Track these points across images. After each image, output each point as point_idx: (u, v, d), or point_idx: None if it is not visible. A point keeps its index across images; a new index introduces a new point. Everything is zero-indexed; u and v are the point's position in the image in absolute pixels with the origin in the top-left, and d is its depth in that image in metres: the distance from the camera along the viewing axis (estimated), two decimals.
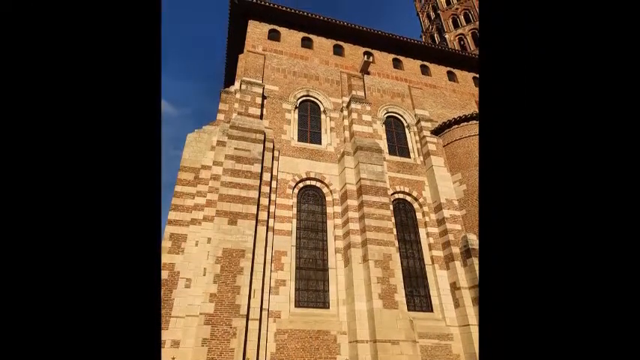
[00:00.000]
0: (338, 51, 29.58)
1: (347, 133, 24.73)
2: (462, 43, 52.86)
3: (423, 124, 26.82)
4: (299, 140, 23.79)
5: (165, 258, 16.62)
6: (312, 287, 19.34)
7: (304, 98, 25.77)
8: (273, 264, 18.55)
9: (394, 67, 30.78)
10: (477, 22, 51.81)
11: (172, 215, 17.76)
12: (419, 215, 23.62)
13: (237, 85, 23.63)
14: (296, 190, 21.72)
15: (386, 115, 27.42)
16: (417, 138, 26.82)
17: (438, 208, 23.31)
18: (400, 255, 21.32)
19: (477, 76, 33.23)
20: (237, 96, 22.62)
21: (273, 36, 27.89)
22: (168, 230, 17.35)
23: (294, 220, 20.77)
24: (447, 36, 54.27)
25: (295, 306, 18.38)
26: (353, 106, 25.15)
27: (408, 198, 24.06)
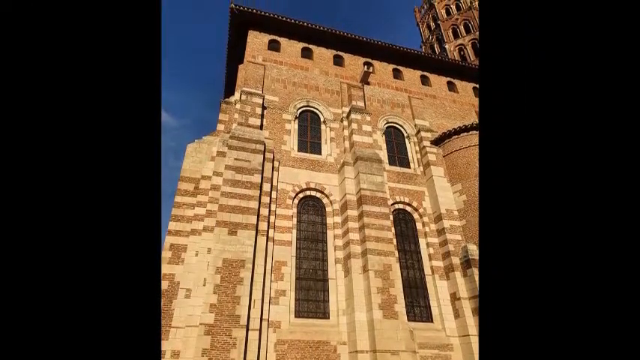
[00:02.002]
0: (338, 61, 29.63)
1: (347, 144, 24.77)
2: (462, 53, 52.99)
3: (423, 134, 26.84)
4: (299, 150, 23.81)
5: (165, 268, 16.62)
6: (312, 297, 19.30)
7: (304, 108, 25.81)
8: (273, 274, 18.52)
9: (394, 78, 30.84)
10: (477, 33, 51.93)
11: (172, 226, 17.79)
12: (419, 225, 23.61)
13: (237, 95, 23.70)
14: (296, 201, 21.74)
15: (386, 126, 27.45)
16: (417, 148, 26.83)
17: (438, 218, 23.30)
18: (400, 265, 21.29)
19: (477, 86, 33.26)
20: (237, 106, 22.68)
21: (274, 46, 27.97)
22: (168, 241, 17.38)
23: (294, 231, 20.76)
24: (447, 46, 54.44)
25: (295, 316, 18.35)
26: (353, 116, 25.19)
27: (408, 208, 24.05)
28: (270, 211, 19.81)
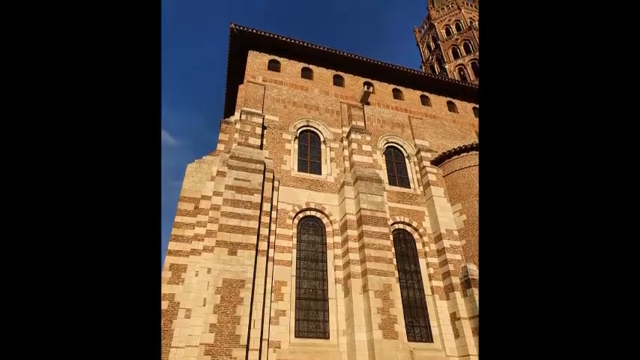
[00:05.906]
0: (338, 81, 29.74)
1: (347, 164, 24.79)
2: (461, 73, 53.17)
3: (423, 154, 26.86)
4: (299, 170, 23.85)
5: (165, 288, 16.58)
6: (312, 317, 19.23)
7: (304, 128, 25.89)
8: (273, 294, 18.46)
9: (394, 98, 30.93)
10: (477, 53, 52.12)
11: (172, 245, 17.77)
12: (419, 245, 23.54)
13: (237, 115, 23.75)
14: (296, 221, 21.73)
15: (386, 146, 27.50)
16: (417, 168, 26.84)
17: (438, 238, 23.25)
18: (400, 285, 21.18)
19: (477, 106, 33.33)
20: (237, 126, 22.75)
21: (274, 66, 28.10)
22: (168, 261, 17.34)
23: (294, 251, 20.72)
24: (446, 66, 54.62)
25: (295, 336, 18.26)
26: (353, 136, 25.25)
27: (408, 228, 24.00)
28: (270, 230, 19.80)
